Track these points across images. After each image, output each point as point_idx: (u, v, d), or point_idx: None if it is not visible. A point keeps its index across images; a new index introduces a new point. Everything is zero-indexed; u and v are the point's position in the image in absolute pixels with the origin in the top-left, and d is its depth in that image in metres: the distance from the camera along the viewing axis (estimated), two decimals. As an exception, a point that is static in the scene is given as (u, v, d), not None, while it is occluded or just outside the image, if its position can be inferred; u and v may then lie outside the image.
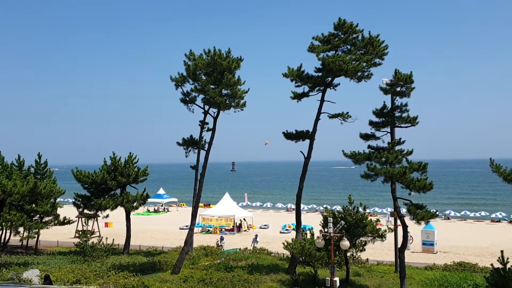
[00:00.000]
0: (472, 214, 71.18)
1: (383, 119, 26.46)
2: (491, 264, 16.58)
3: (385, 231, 24.23)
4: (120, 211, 37.25)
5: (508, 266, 15.29)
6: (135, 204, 36.01)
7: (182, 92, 28.63)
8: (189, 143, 29.33)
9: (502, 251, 15.81)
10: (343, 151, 26.45)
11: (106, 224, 54.88)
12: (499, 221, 66.67)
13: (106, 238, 35.70)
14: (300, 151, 28.24)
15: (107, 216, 37.65)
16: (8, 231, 40.01)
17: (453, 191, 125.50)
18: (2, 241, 40.06)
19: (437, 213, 25.85)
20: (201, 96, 27.81)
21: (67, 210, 47.89)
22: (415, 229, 35.90)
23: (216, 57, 26.73)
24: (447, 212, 72.55)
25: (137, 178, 36.33)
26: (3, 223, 29.68)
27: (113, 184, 35.21)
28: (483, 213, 71.08)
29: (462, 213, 72.57)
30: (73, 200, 36.98)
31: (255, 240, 42.37)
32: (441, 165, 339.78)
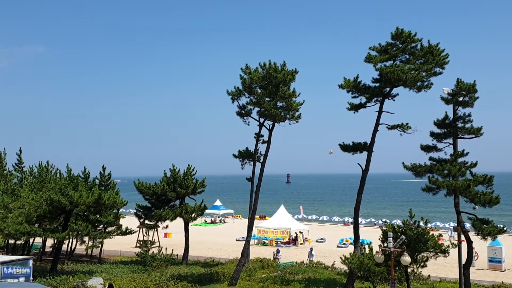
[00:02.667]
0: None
1: (445, 130, 25.56)
2: None
3: (448, 246, 23.19)
4: (179, 222, 38.11)
5: None
6: (193, 215, 36.74)
7: (238, 105, 29.12)
8: (245, 156, 29.72)
9: None
10: (403, 163, 25.79)
11: (166, 235, 56.20)
12: None
13: (166, 248, 36.62)
14: (358, 164, 27.77)
15: (167, 226, 38.60)
16: (74, 240, 42.03)
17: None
18: (69, 249, 42.13)
19: (505, 228, 24.54)
20: (257, 109, 28.15)
21: (129, 221, 49.49)
22: (481, 245, 34.17)
23: (271, 70, 26.99)
24: (516, 227, 68.37)
25: (195, 190, 37.10)
26: (70, 233, 31.19)
27: (173, 195, 36.16)
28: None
29: (533, 228, 68.11)
30: (135, 210, 38.26)
31: (310, 254, 41.91)
32: (508, 177, 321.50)
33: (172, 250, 37.33)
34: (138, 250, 40.52)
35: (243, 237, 43.54)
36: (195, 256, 41.77)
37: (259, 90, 27.68)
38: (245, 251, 28.57)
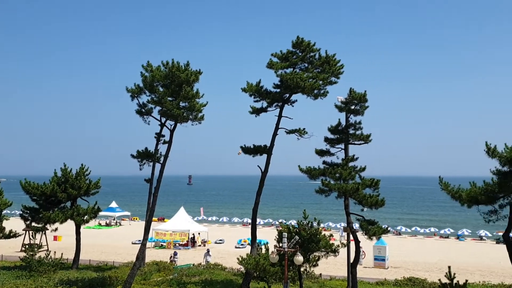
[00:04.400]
0: (422, 230, 73.51)
1: (338, 136, 27.12)
2: (439, 280, 17.11)
3: (338, 246, 24.53)
4: (70, 224, 35.97)
5: (454, 281, 15.83)
6: (85, 217, 34.89)
7: (138, 103, 28.26)
8: (144, 156, 28.88)
9: (449, 267, 16.37)
10: (299, 166, 26.84)
11: (55, 238, 52.92)
12: (447, 237, 69.19)
13: (55, 252, 34.32)
14: (258, 166, 28.37)
15: (56, 229, 36.26)
16: None
17: (405, 207, 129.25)
18: None
19: (389, 228, 26.59)
20: (158, 108, 27.52)
21: (14, 223, 45.84)
22: (368, 245, 36.58)
23: (174, 69, 26.53)
24: (399, 228, 74.58)
25: (88, 191, 35.27)
26: None
27: (63, 197, 34.04)
28: (432, 229, 73.59)
29: (413, 229, 74.82)
30: (21, 212, 35.43)
31: (207, 255, 41.98)
32: (393, 181, 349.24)
33: (62, 254, 35.07)
34: (23, 254, 37.50)
35: (139, 240, 42.20)
36: (87, 260, 39.72)
37: (161, 89, 27.07)
38: (141, 254, 27.70)
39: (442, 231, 71.44)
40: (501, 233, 23.74)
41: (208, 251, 43.05)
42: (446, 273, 15.94)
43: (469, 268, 41.21)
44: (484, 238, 66.23)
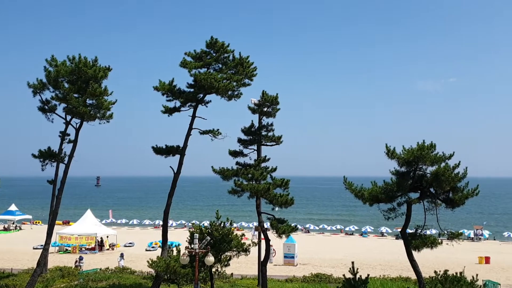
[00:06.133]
0: (329, 228, 76.94)
1: (251, 137, 27.54)
2: (343, 275, 17.95)
3: (249, 245, 24.86)
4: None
5: (357, 276, 16.73)
6: (-21, 222, 32.10)
7: (41, 100, 26.57)
8: (47, 156, 27.24)
9: (353, 262, 17.27)
10: (212, 167, 26.85)
11: None
12: (352, 234, 73.11)
13: None
14: (170, 167, 27.91)
15: None
16: None
17: (314, 205, 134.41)
18: None
19: (297, 226, 27.46)
20: (63, 105, 26.07)
21: None
22: (278, 243, 37.48)
23: (81, 64, 25.31)
24: (307, 225, 77.41)
25: (-17, 193, 32.49)
26: None
27: (-47, 200, 31.04)
28: (338, 227, 77.29)
29: (321, 226, 78.08)
30: None
31: (121, 259, 40.60)
32: (301, 181, 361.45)
33: (-50, 263, 31.95)
34: None
35: (41, 245, 39.65)
36: (-19, 269, 36.50)
37: (66, 85, 25.68)
38: (42, 260, 26.08)
39: (347, 228, 75.40)
40: (399, 230, 25.54)
41: (122, 255, 41.79)
42: (350, 268, 16.80)
43: (372, 263, 43.83)
44: (385, 234, 70.95)
